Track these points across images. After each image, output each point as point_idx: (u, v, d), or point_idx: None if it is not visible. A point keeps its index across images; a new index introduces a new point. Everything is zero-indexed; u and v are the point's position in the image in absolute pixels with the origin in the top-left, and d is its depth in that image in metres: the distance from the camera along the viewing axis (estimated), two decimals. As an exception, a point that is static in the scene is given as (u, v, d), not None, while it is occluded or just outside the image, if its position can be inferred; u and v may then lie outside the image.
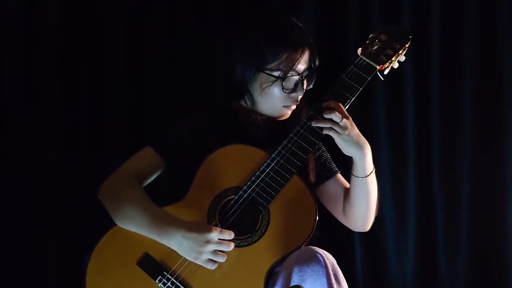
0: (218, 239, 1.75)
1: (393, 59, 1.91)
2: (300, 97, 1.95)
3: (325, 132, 1.82)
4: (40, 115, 2.46)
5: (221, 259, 1.76)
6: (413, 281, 2.54)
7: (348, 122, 1.81)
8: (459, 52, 2.49)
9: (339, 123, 1.79)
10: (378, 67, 1.88)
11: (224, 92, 2.05)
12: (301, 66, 1.92)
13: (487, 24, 2.48)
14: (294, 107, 1.97)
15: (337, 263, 1.75)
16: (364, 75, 1.86)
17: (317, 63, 1.96)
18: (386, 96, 2.52)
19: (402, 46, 1.92)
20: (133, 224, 1.82)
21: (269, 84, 1.92)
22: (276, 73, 1.91)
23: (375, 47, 1.89)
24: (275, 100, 1.94)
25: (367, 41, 1.92)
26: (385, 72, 1.92)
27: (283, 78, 1.90)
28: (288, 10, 2.49)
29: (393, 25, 1.98)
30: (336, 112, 1.79)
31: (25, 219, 2.44)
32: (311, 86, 1.96)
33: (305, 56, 1.92)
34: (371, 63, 1.87)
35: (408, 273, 2.54)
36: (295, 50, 1.90)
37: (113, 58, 2.50)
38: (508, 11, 2.46)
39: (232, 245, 1.76)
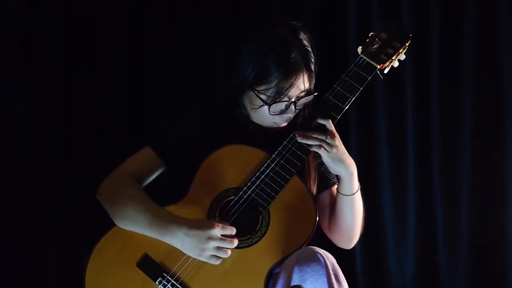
0: (221, 235, 1.75)
1: (393, 58, 1.90)
2: (291, 116, 1.89)
3: (314, 149, 1.81)
4: (40, 115, 2.46)
5: (224, 254, 1.75)
6: (413, 281, 2.54)
7: (337, 140, 1.81)
8: (459, 52, 2.49)
9: (326, 140, 1.79)
10: (378, 66, 1.86)
11: (223, 94, 2.02)
12: (294, 90, 1.84)
13: (487, 24, 2.48)
14: (285, 123, 1.91)
15: (337, 263, 1.75)
16: (364, 74, 1.85)
17: (312, 85, 1.88)
18: (386, 96, 2.52)
19: (402, 45, 1.91)
20: (134, 224, 1.82)
21: (257, 105, 1.86)
22: (265, 97, 1.84)
23: (375, 46, 1.88)
24: (264, 118, 1.89)
25: (367, 40, 1.90)
26: (385, 71, 1.91)
27: (270, 104, 1.83)
28: (288, 10, 2.49)
29: (393, 23, 1.96)
30: (327, 130, 1.80)
31: (25, 219, 2.44)
32: (306, 104, 1.90)
33: (299, 82, 1.83)
34: (371, 62, 1.86)
35: (408, 273, 2.54)
36: (286, 78, 1.81)
37: (113, 58, 2.50)
38: (508, 11, 2.46)
39: (236, 241, 1.76)
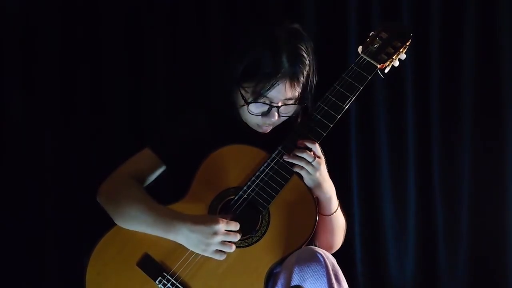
0: (225, 230, 1.75)
1: (394, 57, 1.89)
2: (274, 121, 1.86)
3: (296, 169, 1.81)
4: (40, 115, 2.46)
5: (229, 249, 1.76)
6: (413, 281, 2.55)
7: (322, 164, 1.81)
8: (459, 52, 2.49)
9: (312, 163, 1.79)
10: (379, 66, 1.86)
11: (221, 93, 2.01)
12: (274, 94, 1.81)
13: (487, 24, 2.48)
14: (269, 128, 1.90)
15: (337, 263, 1.75)
16: (364, 74, 1.84)
17: (297, 95, 1.84)
18: (386, 96, 2.52)
19: (403, 45, 1.90)
20: (136, 223, 1.81)
21: (240, 104, 1.86)
22: (247, 95, 1.84)
23: (375, 46, 1.88)
24: (248, 118, 1.89)
25: (368, 39, 1.90)
26: (386, 71, 1.91)
27: (249, 103, 1.83)
28: (287, 10, 2.49)
29: (394, 23, 1.96)
30: (309, 152, 1.79)
31: (25, 219, 2.44)
32: (291, 114, 1.88)
33: (280, 87, 1.80)
34: (371, 61, 1.86)
35: (408, 273, 2.55)
36: (267, 79, 1.79)
37: (113, 58, 2.50)
38: (508, 11, 2.46)
39: (239, 236, 1.76)
